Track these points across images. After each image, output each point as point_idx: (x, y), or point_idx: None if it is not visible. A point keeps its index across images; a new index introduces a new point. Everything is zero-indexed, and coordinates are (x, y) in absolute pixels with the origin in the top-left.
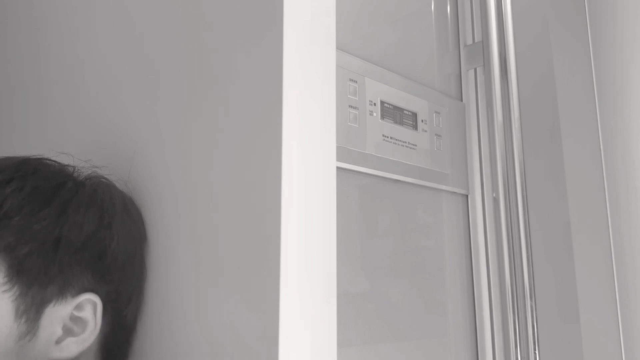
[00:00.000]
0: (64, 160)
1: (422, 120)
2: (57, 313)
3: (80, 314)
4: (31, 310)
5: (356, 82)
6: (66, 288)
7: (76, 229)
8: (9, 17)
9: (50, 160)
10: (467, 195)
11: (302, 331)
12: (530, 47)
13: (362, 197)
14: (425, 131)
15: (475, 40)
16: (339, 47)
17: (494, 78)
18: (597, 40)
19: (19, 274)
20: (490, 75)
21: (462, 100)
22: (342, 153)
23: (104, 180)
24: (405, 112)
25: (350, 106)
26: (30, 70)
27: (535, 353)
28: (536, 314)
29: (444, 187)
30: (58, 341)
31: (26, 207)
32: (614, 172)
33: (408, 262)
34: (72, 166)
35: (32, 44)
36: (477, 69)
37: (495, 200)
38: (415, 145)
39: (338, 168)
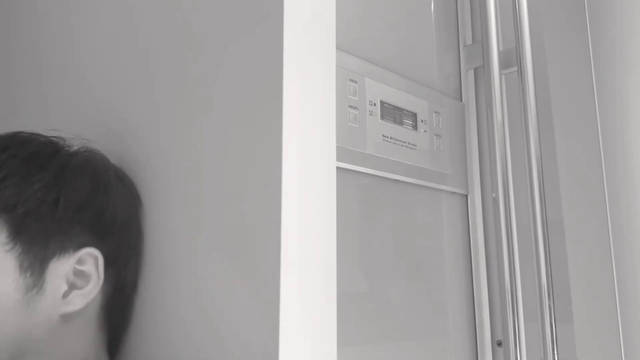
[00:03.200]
0: (54, 135)
1: (422, 121)
2: (61, 267)
3: (83, 267)
4: (35, 265)
5: (356, 82)
6: (67, 244)
7: (73, 192)
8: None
9: (40, 134)
10: (466, 195)
11: (302, 331)
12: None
13: (362, 197)
14: (425, 131)
15: (475, 40)
16: (339, 47)
17: (494, 78)
18: (597, 40)
19: (20, 232)
20: (490, 75)
21: (461, 100)
22: (342, 153)
23: (95, 152)
24: (405, 112)
25: (350, 106)
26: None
27: (554, 354)
28: (555, 313)
29: (443, 187)
30: (64, 295)
31: (23, 170)
32: (614, 172)
33: (408, 262)
34: (63, 138)
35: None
36: (477, 69)
37: (495, 200)
38: (415, 145)
39: (338, 168)
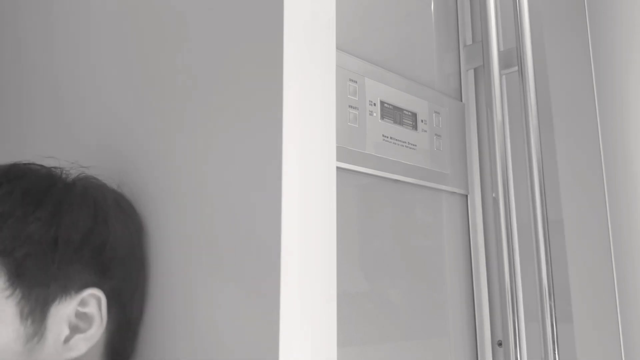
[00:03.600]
0: (50, 164)
1: (422, 121)
2: (62, 311)
3: (86, 310)
4: (36, 311)
5: (356, 82)
6: (69, 286)
7: (72, 228)
8: (18, 18)
9: (36, 164)
10: (466, 195)
11: (302, 331)
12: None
13: (362, 197)
14: (425, 131)
15: (475, 40)
16: (339, 47)
17: (494, 78)
18: (597, 40)
19: (19, 276)
20: (490, 75)
21: (461, 100)
22: (342, 153)
23: (93, 179)
24: (405, 112)
25: (350, 106)
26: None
27: (554, 354)
28: (555, 313)
29: (443, 187)
30: (66, 340)
31: (18, 210)
32: (614, 172)
33: (408, 262)
34: (60, 168)
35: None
36: (477, 69)
37: (495, 200)
38: (415, 145)
39: (338, 168)
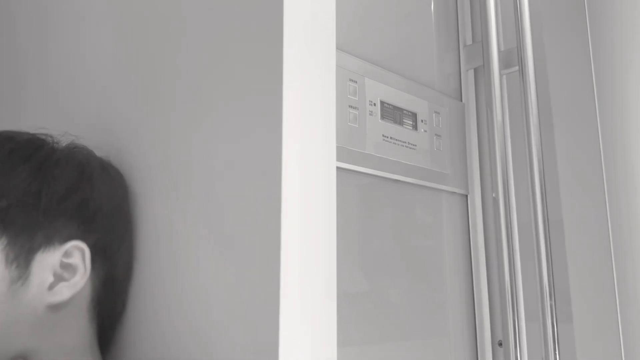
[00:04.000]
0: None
1: (422, 121)
2: (47, 260)
3: (69, 260)
4: (21, 257)
5: (356, 82)
6: (53, 236)
7: (56, 182)
8: None
9: (26, 132)
10: (466, 195)
11: (302, 331)
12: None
13: (362, 197)
14: (425, 131)
15: (475, 40)
16: (339, 47)
17: (494, 78)
18: (597, 40)
19: (4, 225)
20: (489, 75)
21: (461, 100)
22: (342, 153)
23: (81, 146)
24: (405, 112)
25: (350, 106)
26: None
27: (555, 354)
28: (556, 313)
29: (443, 187)
30: (50, 286)
31: (5, 165)
32: (614, 172)
33: (408, 262)
34: (51, 135)
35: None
36: (477, 69)
37: (495, 200)
38: (415, 145)
39: (338, 168)
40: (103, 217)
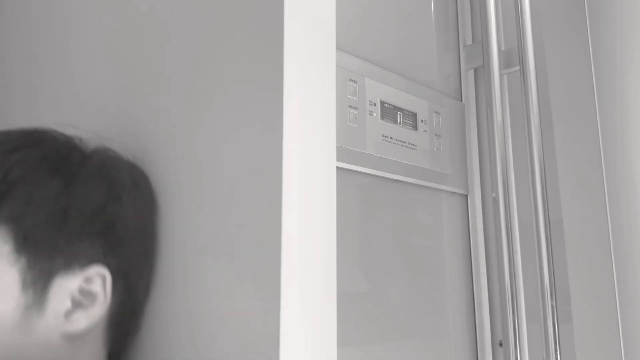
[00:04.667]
0: (71, 132)
1: (422, 121)
2: (66, 285)
3: (90, 287)
4: (39, 282)
5: (356, 82)
6: (75, 260)
7: (84, 200)
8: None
9: (57, 132)
10: (466, 195)
11: (302, 331)
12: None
13: (362, 197)
14: (425, 131)
15: (475, 40)
16: (339, 47)
17: (494, 78)
18: (597, 40)
19: (26, 244)
20: (490, 75)
21: (461, 100)
22: (342, 153)
23: (110, 152)
24: (405, 112)
25: (350, 106)
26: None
27: (556, 354)
28: (557, 313)
29: (443, 187)
30: (67, 314)
31: (32, 177)
32: (614, 172)
33: (408, 262)
34: (79, 138)
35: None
36: (477, 69)
37: (495, 200)
38: (415, 145)
39: (338, 168)
40: (129, 239)
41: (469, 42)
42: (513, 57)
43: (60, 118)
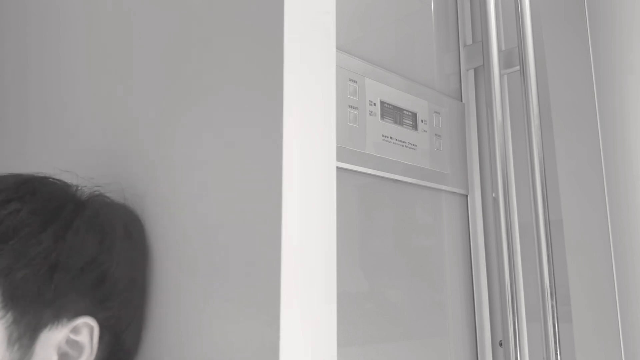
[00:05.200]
0: (67, 178)
1: (422, 121)
2: (53, 338)
3: (77, 338)
4: (25, 337)
5: (356, 82)
6: (62, 313)
7: (75, 254)
8: (3, 21)
9: (52, 179)
10: (466, 195)
11: (302, 331)
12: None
13: (362, 197)
14: (425, 131)
15: (475, 40)
16: (339, 47)
17: (494, 78)
18: (596, 40)
19: (14, 299)
20: (490, 75)
21: (461, 100)
22: (342, 153)
23: (107, 199)
24: (405, 112)
25: (350, 106)
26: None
27: (556, 354)
28: (557, 313)
29: (443, 187)
30: None
31: (23, 231)
32: (614, 172)
33: (408, 262)
34: (75, 185)
35: (27, 52)
36: (477, 69)
37: (495, 200)
38: (415, 145)
39: (338, 168)
40: (119, 291)
41: (469, 42)
42: (513, 57)
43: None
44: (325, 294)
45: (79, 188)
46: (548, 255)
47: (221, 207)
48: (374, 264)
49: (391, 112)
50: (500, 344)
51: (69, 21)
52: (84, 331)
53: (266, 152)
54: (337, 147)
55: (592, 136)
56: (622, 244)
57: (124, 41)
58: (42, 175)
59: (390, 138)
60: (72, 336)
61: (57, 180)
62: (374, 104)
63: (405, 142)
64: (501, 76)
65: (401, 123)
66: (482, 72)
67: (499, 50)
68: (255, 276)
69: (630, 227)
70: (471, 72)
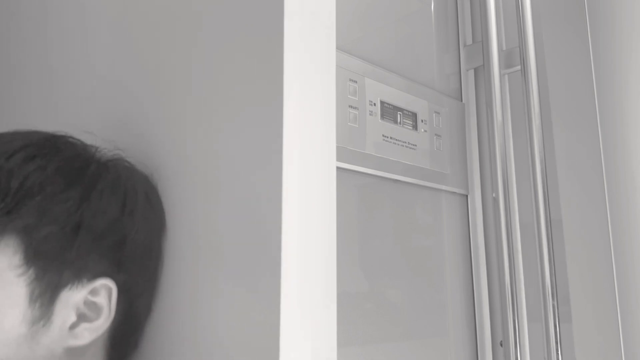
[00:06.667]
0: (87, 139)
1: (422, 121)
2: (72, 297)
3: (95, 299)
4: (46, 295)
5: (356, 82)
6: (82, 273)
7: (98, 215)
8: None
9: (74, 138)
10: (466, 195)
11: (302, 331)
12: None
13: (362, 197)
14: (425, 131)
15: (475, 40)
16: (339, 47)
17: (494, 78)
18: (597, 40)
19: (36, 256)
20: (490, 75)
21: (461, 100)
22: (342, 153)
23: (127, 164)
24: (405, 112)
25: (350, 106)
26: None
27: (557, 354)
28: (558, 313)
29: (443, 187)
30: (72, 327)
31: (48, 187)
32: (614, 172)
33: (408, 262)
34: (95, 147)
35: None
36: (477, 69)
37: (495, 200)
38: (415, 145)
39: (338, 168)
40: (137, 256)
41: (469, 42)
42: (513, 57)
43: (66, 120)
44: (325, 294)
45: (99, 149)
46: (548, 255)
47: (220, 207)
48: (374, 264)
49: (391, 112)
50: (501, 344)
51: None
52: (103, 292)
53: (266, 151)
54: (337, 147)
55: (592, 136)
56: (622, 244)
57: (131, 37)
58: (63, 133)
59: (390, 138)
60: (91, 297)
61: (78, 140)
62: (374, 104)
63: (405, 142)
64: (501, 76)
65: (401, 123)
66: (482, 72)
67: (499, 50)
68: (255, 276)
69: (630, 227)
70: (471, 72)
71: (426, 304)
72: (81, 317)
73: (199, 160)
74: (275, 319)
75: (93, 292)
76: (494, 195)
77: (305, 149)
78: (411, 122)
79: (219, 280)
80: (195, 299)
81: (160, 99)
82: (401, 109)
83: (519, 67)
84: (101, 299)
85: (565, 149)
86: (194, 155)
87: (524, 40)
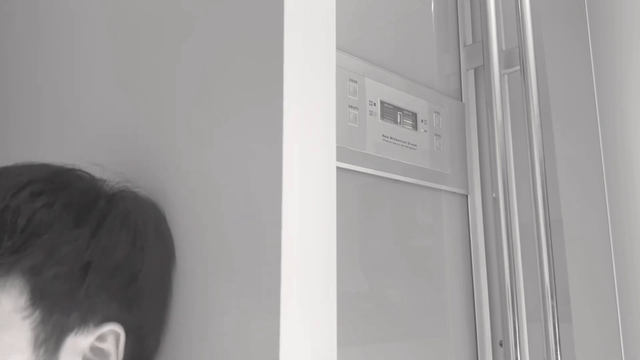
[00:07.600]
0: (95, 171)
1: (422, 120)
2: (78, 344)
3: (102, 345)
4: (51, 340)
5: (356, 82)
6: (90, 316)
7: (108, 253)
8: (15, 21)
9: (82, 171)
10: (466, 195)
11: (302, 331)
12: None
13: (362, 197)
14: (425, 131)
15: (475, 40)
16: (339, 47)
17: (494, 78)
18: (597, 40)
19: (43, 298)
20: (490, 75)
21: (462, 100)
22: (342, 153)
23: (135, 196)
24: (405, 112)
25: (350, 106)
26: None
27: (557, 354)
28: (557, 313)
29: (443, 187)
30: None
31: (56, 225)
32: (614, 172)
33: (408, 262)
34: (103, 180)
35: (39, 48)
36: (477, 69)
37: (495, 200)
38: (415, 145)
39: (338, 168)
40: (147, 293)
41: (469, 42)
42: (513, 57)
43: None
44: (325, 294)
45: (107, 182)
46: (548, 255)
47: (220, 207)
48: (374, 264)
49: (391, 112)
50: (501, 344)
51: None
52: (110, 339)
53: (266, 152)
54: (337, 147)
55: (592, 136)
56: (622, 244)
57: (134, 43)
58: (71, 166)
59: (390, 138)
60: (98, 344)
61: (86, 172)
62: (374, 104)
63: (405, 142)
64: (501, 76)
65: (401, 123)
66: (482, 72)
67: (499, 50)
68: (255, 276)
69: (630, 227)
70: (471, 72)
71: (426, 304)
72: None
73: (199, 163)
74: (275, 319)
75: (100, 338)
76: (494, 195)
77: (305, 149)
78: (411, 122)
79: (219, 279)
80: (206, 298)
81: (157, 102)
82: (401, 109)
83: (518, 67)
84: (108, 345)
85: (565, 149)
86: (193, 157)
87: (523, 40)
